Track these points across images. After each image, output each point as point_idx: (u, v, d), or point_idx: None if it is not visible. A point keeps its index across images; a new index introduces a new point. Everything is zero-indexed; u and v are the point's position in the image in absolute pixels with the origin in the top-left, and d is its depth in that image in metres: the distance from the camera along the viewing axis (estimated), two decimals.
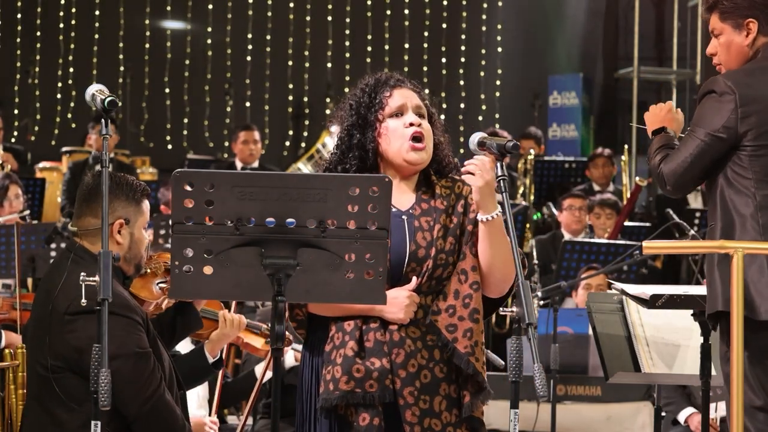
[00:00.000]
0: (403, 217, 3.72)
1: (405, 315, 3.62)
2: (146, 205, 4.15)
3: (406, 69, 14.72)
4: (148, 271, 4.28)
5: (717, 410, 5.86)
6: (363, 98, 3.78)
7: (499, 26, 15.09)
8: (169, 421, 3.95)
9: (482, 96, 14.92)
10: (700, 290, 4.25)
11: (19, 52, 14.48)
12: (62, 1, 14.70)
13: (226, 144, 14.23)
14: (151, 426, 3.93)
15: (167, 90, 14.80)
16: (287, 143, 15.02)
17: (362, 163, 3.75)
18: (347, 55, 15.02)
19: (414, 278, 3.66)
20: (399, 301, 3.63)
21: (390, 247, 3.61)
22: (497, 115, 14.77)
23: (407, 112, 3.75)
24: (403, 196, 3.77)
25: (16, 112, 14.26)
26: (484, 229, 3.65)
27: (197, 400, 6.07)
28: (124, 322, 3.90)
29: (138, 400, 3.88)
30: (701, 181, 4.15)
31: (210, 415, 5.39)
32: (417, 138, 3.72)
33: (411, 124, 3.72)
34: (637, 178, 10.07)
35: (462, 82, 15.00)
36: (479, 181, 3.59)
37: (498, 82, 15.06)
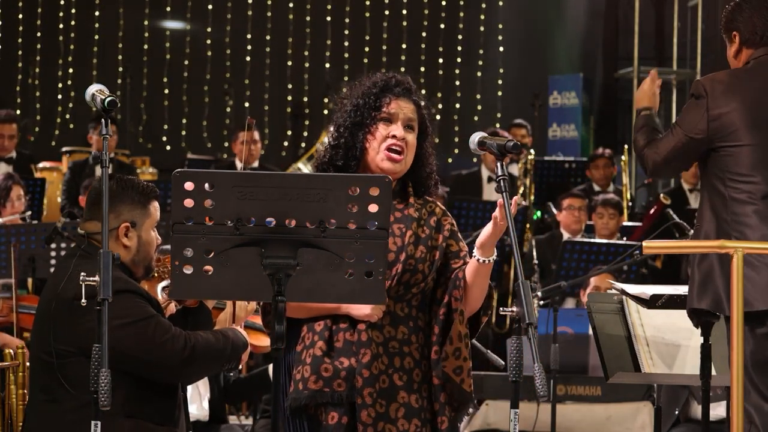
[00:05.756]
0: None
1: (371, 311, 3.65)
2: (154, 206, 4.16)
3: (403, 69, 14.72)
4: (155, 275, 4.29)
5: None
6: (368, 100, 3.82)
7: (500, 26, 15.09)
8: (215, 350, 4.01)
9: (482, 96, 14.92)
10: None
11: (19, 52, 14.48)
12: (62, 1, 14.69)
13: (226, 144, 14.23)
14: (202, 364, 3.99)
15: (166, 90, 14.80)
16: (286, 143, 15.01)
17: (355, 161, 3.80)
18: (346, 55, 15.02)
19: None
20: None
21: None
22: (497, 115, 14.76)
23: (396, 122, 3.79)
24: None
25: (16, 112, 14.26)
26: (478, 269, 3.69)
27: (199, 399, 6.05)
28: (136, 297, 3.96)
29: (174, 350, 3.93)
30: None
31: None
32: (393, 149, 3.76)
33: (393, 136, 3.77)
34: (662, 195, 9.90)
35: (459, 83, 14.99)
36: (501, 228, 3.61)
37: (498, 82, 15.06)
